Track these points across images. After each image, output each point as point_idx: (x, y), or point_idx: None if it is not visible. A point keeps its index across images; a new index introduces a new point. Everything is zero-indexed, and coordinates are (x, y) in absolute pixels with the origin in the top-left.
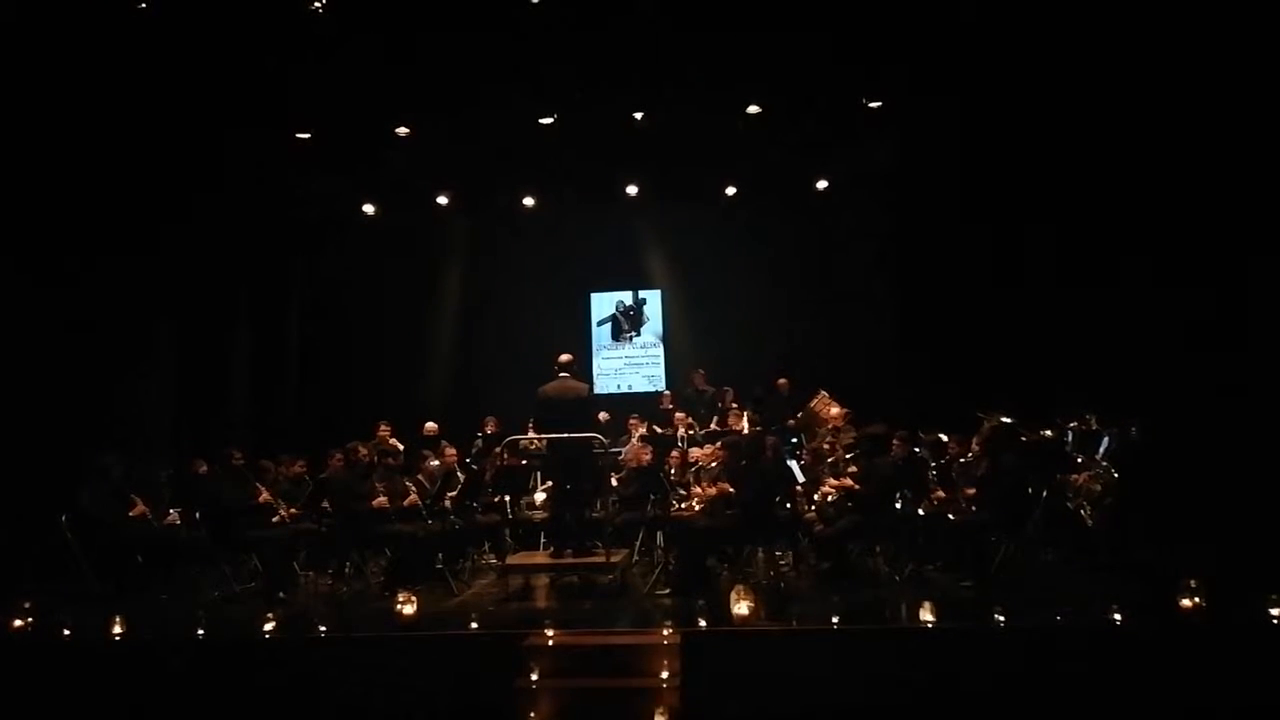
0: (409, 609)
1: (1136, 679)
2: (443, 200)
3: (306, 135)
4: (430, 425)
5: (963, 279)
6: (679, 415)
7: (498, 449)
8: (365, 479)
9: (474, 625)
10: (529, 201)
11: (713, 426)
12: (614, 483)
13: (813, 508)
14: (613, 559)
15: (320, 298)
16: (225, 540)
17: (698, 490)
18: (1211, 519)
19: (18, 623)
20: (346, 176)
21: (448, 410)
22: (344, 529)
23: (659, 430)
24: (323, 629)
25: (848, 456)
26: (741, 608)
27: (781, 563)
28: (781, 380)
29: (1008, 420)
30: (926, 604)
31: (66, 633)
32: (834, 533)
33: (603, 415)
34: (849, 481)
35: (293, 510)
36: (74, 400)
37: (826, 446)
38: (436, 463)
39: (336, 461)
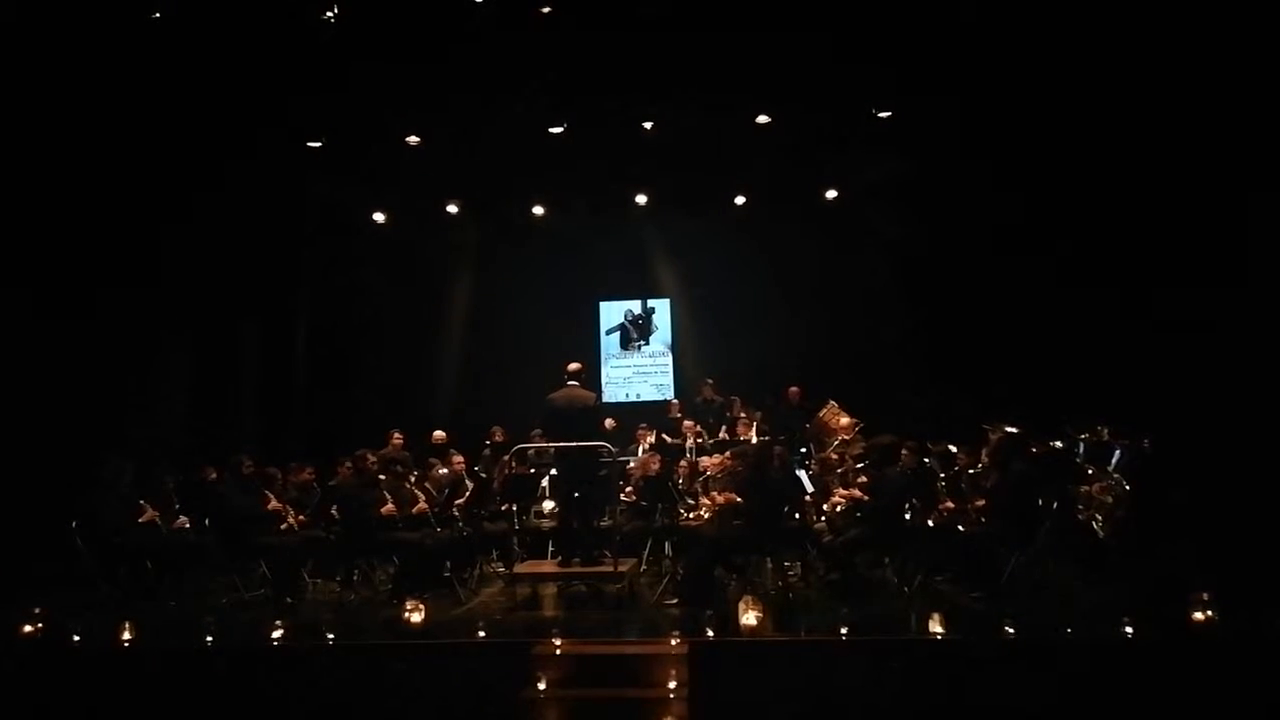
0: (416, 617)
1: (1147, 692)
2: (452, 209)
3: (317, 144)
4: (438, 434)
5: (973, 289)
6: (688, 424)
7: (505, 457)
8: (373, 487)
9: (481, 634)
10: (538, 210)
11: (721, 436)
12: (622, 492)
13: (821, 518)
14: (621, 568)
15: (330, 306)
16: (234, 547)
17: (706, 500)
18: (1223, 532)
19: (27, 629)
20: (356, 186)
21: (456, 418)
22: (352, 537)
23: (668, 439)
24: (330, 637)
25: (857, 467)
26: (749, 618)
27: (790, 573)
28: (790, 390)
29: (1014, 430)
30: (936, 615)
31: (75, 639)
32: (843, 543)
33: (609, 422)
34: (858, 492)
35: (301, 518)
36: (84, 407)
37: (835, 457)
38: (445, 471)
39: (345, 469)
